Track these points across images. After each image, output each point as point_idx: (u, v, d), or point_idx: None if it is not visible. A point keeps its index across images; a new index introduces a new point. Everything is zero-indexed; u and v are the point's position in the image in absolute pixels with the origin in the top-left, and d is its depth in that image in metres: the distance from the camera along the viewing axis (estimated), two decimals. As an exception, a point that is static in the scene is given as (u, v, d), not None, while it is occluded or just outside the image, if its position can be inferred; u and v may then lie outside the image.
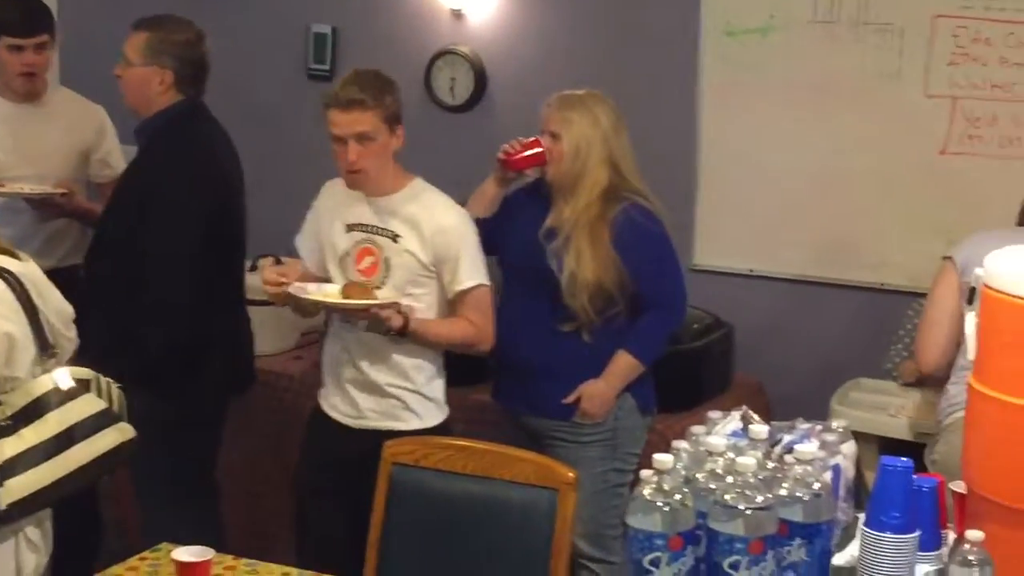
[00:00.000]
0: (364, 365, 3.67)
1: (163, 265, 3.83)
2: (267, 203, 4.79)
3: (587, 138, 3.79)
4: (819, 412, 4.10)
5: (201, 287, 3.89)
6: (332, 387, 3.77)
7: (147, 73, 3.92)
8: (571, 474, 3.00)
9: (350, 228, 3.70)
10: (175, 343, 3.84)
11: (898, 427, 4.25)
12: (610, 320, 3.83)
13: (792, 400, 4.18)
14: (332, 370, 3.77)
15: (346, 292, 3.58)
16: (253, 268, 4.96)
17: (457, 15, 5.35)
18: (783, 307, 4.98)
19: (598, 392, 3.81)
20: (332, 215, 3.76)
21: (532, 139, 3.85)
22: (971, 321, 2.66)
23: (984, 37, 4.61)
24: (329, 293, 3.61)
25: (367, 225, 3.68)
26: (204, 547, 2.59)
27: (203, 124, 4.05)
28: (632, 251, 3.80)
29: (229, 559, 2.81)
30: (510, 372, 3.93)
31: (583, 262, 3.74)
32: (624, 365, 3.85)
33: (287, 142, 5.59)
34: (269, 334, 4.74)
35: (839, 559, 2.62)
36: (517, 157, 3.85)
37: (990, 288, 2.54)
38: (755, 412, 2.88)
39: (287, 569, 2.80)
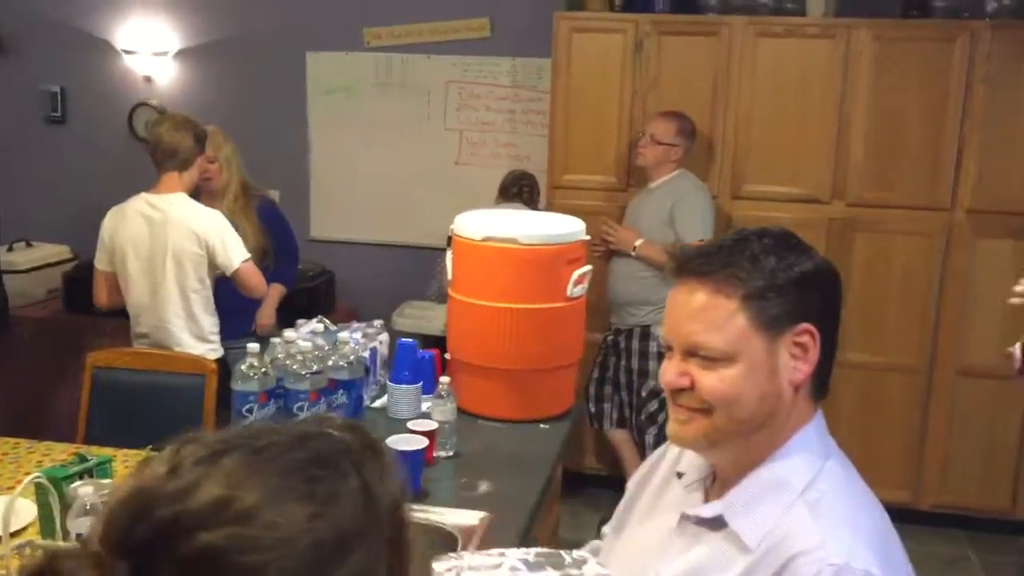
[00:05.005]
0: None
1: None
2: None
3: (231, 156, 3.71)
4: (388, 322, 4.22)
5: None
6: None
7: None
8: (212, 365, 2.95)
9: None
10: None
11: (432, 328, 4.39)
12: (264, 270, 3.76)
13: (373, 315, 4.26)
14: None
15: None
16: (10, 249, 4.65)
17: (148, 79, 5.11)
18: (367, 260, 5.01)
19: (266, 314, 3.76)
20: None
21: None
22: (448, 256, 2.81)
23: (476, 94, 4.78)
24: None
25: None
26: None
27: None
28: (270, 225, 3.77)
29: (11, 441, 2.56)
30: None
31: (248, 237, 3.61)
32: (277, 292, 3.81)
33: (31, 168, 5.22)
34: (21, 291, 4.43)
35: (377, 404, 2.68)
36: None
37: (455, 235, 2.71)
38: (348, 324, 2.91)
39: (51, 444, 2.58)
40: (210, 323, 3.35)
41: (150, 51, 5.05)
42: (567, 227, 2.66)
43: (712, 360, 1.19)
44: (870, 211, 3.97)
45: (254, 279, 3.30)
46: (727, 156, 4.05)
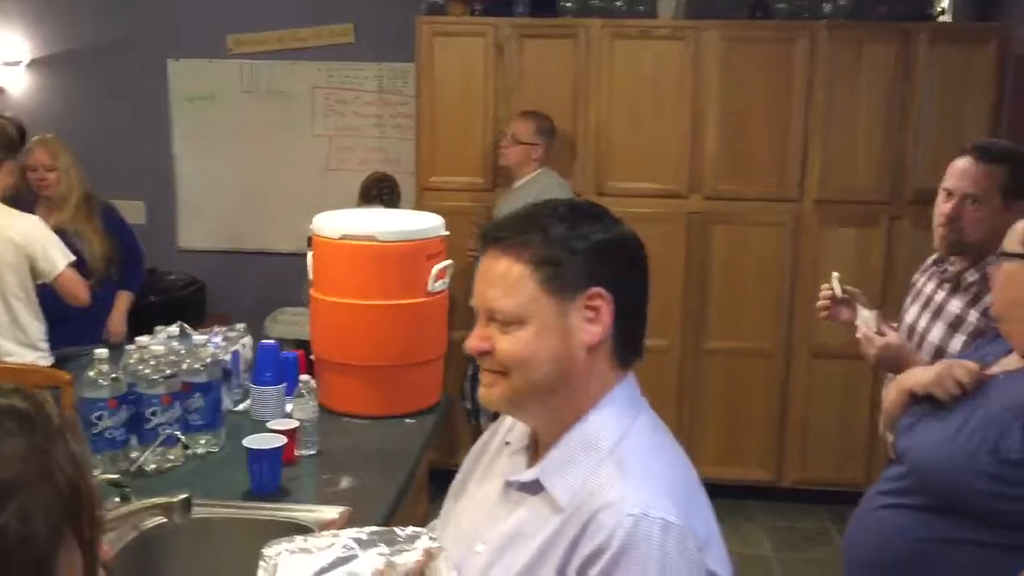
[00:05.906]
0: None
1: None
2: None
3: (71, 165, 3.60)
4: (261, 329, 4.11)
5: None
6: None
7: None
8: (68, 377, 2.80)
9: None
10: None
11: (305, 332, 4.21)
12: (109, 277, 3.66)
13: (248, 322, 4.16)
14: None
15: None
16: None
17: None
18: (238, 269, 4.89)
19: (117, 321, 3.69)
20: None
21: None
22: (310, 257, 2.75)
23: (343, 100, 4.74)
24: None
25: None
26: None
27: None
28: (115, 231, 3.69)
29: None
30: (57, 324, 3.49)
31: (93, 245, 3.54)
32: (126, 299, 3.75)
33: None
34: None
35: (241, 407, 2.58)
36: None
37: (315, 235, 2.65)
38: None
39: None
40: (38, 329, 3.23)
41: (1, 61, 4.81)
42: (425, 223, 2.63)
43: (506, 324, 1.23)
44: (726, 203, 4.07)
45: (75, 286, 3.21)
46: (589, 154, 4.10)
